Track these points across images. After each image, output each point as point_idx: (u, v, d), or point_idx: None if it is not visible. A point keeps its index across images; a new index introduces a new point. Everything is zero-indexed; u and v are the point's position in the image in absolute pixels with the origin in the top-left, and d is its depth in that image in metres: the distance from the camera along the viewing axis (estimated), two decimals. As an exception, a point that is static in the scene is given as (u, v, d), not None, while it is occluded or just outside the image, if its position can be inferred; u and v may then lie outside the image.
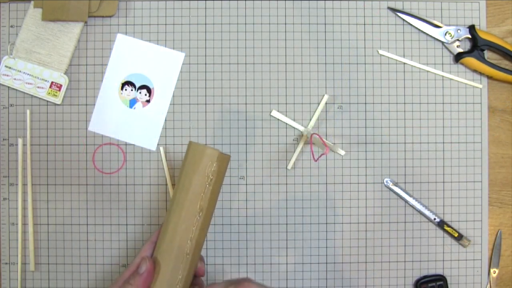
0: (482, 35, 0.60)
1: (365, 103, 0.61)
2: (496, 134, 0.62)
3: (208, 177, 0.47)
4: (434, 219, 0.60)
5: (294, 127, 0.61)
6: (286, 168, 0.61)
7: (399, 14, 0.61)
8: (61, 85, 0.60)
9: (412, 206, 0.61)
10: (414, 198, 0.61)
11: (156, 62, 0.61)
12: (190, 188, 0.47)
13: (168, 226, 0.48)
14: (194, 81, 0.61)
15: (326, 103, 0.61)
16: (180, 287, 0.47)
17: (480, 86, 0.62)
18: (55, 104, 0.61)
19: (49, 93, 0.60)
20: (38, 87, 0.60)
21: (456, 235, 0.60)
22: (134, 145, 0.61)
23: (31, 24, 0.60)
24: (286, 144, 0.61)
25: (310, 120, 0.61)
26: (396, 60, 0.61)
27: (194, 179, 0.47)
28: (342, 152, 0.61)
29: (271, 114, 0.61)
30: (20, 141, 0.61)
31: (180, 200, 0.48)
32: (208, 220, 0.49)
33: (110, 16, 0.61)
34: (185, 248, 0.47)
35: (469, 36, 0.61)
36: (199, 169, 0.47)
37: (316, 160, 0.61)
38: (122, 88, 0.61)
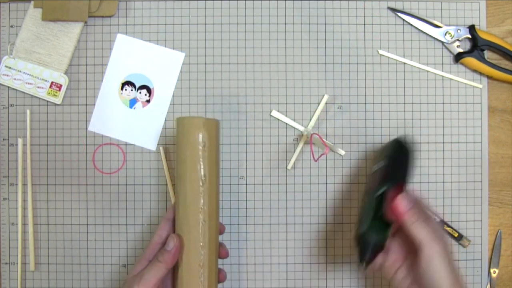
0: (482, 35, 0.60)
1: (365, 103, 0.61)
2: (496, 134, 0.62)
3: (200, 144, 0.50)
4: (434, 219, 0.60)
5: (294, 127, 0.61)
6: (286, 168, 0.61)
7: (399, 14, 0.61)
8: (61, 85, 0.60)
9: (412, 206, 0.61)
10: (414, 198, 0.61)
11: (156, 62, 0.61)
12: (187, 160, 0.50)
13: (179, 201, 0.51)
14: (194, 81, 0.61)
15: (326, 103, 0.61)
16: (205, 252, 0.49)
17: (480, 86, 0.62)
18: (55, 104, 0.61)
19: (49, 93, 0.60)
20: (38, 87, 0.60)
21: (456, 235, 0.60)
22: (134, 145, 0.61)
23: (31, 24, 0.60)
24: (286, 144, 0.61)
25: (310, 120, 0.61)
26: (396, 60, 0.61)
27: (188, 150, 0.50)
28: (342, 152, 0.61)
29: (271, 114, 0.61)
30: (20, 141, 0.61)
31: (182, 174, 0.50)
32: (215, 186, 0.51)
33: (110, 16, 0.61)
34: (199, 217, 0.50)
35: (469, 36, 0.61)
36: (190, 139, 0.50)
37: (316, 160, 0.61)
38: (122, 88, 0.61)
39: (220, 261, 0.61)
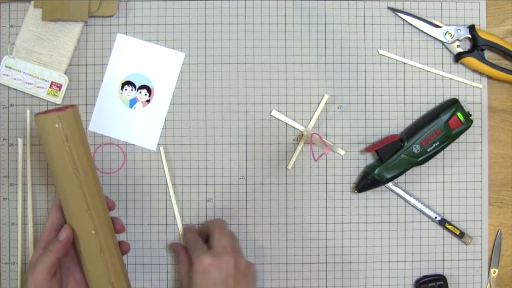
0: (482, 35, 0.60)
1: (365, 103, 0.61)
2: (496, 134, 0.62)
3: (62, 139, 0.49)
4: (435, 217, 0.60)
5: (294, 127, 0.61)
6: (286, 168, 0.61)
7: (399, 14, 0.61)
8: (61, 85, 0.60)
9: (413, 206, 0.61)
10: (414, 198, 0.61)
11: (156, 62, 0.61)
12: (55, 156, 0.49)
13: (59, 195, 0.50)
14: (194, 81, 0.61)
15: (326, 103, 0.61)
16: (100, 237, 0.50)
17: (480, 86, 0.62)
18: (55, 104, 0.61)
19: (49, 93, 0.60)
20: (38, 87, 0.60)
21: (457, 233, 0.60)
22: (134, 145, 0.61)
23: (31, 24, 0.60)
24: (286, 144, 0.61)
25: (310, 120, 0.61)
26: (396, 60, 0.61)
27: (52, 148, 0.49)
28: (342, 152, 0.61)
29: (271, 114, 0.61)
30: (20, 141, 0.61)
31: (54, 170, 0.50)
32: (92, 175, 0.51)
33: (110, 16, 0.61)
34: (83, 207, 0.50)
35: (469, 36, 0.61)
36: (50, 137, 0.49)
37: (316, 160, 0.61)
38: (122, 88, 0.61)
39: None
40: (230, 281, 0.50)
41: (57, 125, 0.49)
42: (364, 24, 0.62)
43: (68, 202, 0.50)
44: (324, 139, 0.60)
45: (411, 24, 0.61)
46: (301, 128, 0.61)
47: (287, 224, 0.61)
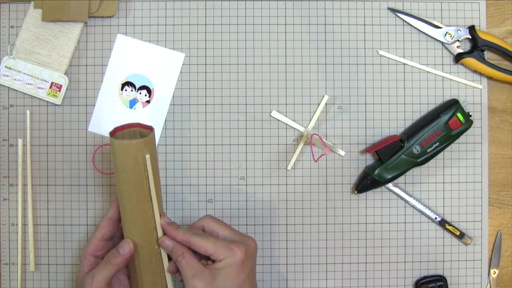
0: (482, 36, 0.60)
1: (365, 103, 0.61)
2: (496, 134, 0.62)
3: (143, 165, 0.49)
4: (435, 218, 0.60)
5: (294, 128, 0.61)
6: (286, 168, 0.61)
7: (399, 14, 0.61)
8: (61, 86, 0.60)
9: (413, 206, 0.61)
10: (414, 198, 0.61)
11: (156, 63, 0.61)
12: (132, 181, 0.49)
13: (125, 213, 0.50)
14: (194, 81, 0.61)
15: (326, 103, 0.61)
16: (159, 253, 0.51)
17: (480, 86, 0.62)
18: (55, 105, 0.61)
19: (49, 94, 0.60)
20: (38, 87, 0.60)
21: (457, 233, 0.60)
22: (134, 145, 0.61)
23: (31, 24, 0.60)
24: (286, 144, 0.61)
25: (310, 120, 0.61)
26: (396, 60, 0.61)
27: (130, 174, 0.49)
28: (342, 152, 0.61)
29: (271, 114, 0.61)
30: (20, 141, 0.61)
31: (127, 192, 0.50)
32: (159, 194, 0.51)
33: (110, 17, 0.61)
34: (151, 224, 0.51)
35: (469, 37, 0.61)
36: (130, 163, 0.49)
37: (316, 161, 0.61)
38: (122, 89, 0.61)
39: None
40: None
41: (140, 152, 0.48)
42: (364, 24, 0.62)
43: (136, 221, 0.50)
44: (324, 140, 0.60)
45: (411, 25, 0.61)
46: (301, 128, 0.61)
47: (287, 224, 0.61)
